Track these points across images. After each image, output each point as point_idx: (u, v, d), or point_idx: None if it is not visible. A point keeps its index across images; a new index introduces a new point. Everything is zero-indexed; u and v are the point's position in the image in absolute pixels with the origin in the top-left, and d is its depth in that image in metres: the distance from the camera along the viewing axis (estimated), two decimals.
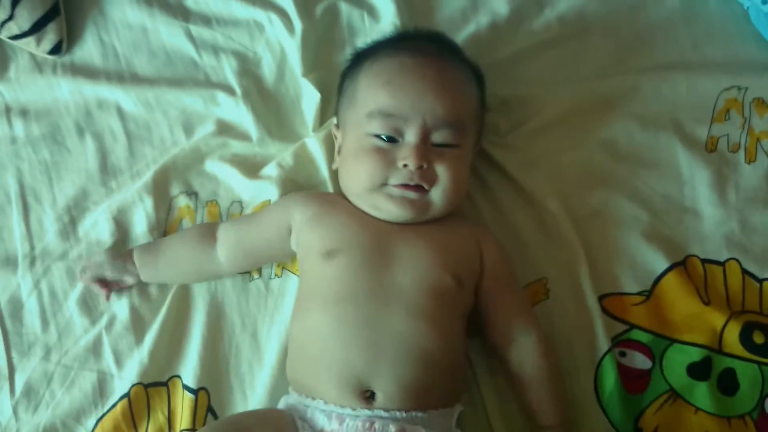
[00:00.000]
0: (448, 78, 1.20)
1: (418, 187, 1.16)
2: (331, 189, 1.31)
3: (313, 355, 1.12)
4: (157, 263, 1.28)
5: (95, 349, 1.28)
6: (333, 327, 1.11)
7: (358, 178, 1.19)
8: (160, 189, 1.34)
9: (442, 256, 1.17)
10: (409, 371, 1.08)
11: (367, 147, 1.18)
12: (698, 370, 1.24)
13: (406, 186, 1.16)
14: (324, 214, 1.22)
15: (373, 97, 1.19)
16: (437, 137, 1.17)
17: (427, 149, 1.16)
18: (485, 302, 1.22)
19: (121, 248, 1.32)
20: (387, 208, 1.18)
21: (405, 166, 1.15)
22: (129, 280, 1.28)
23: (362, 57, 1.27)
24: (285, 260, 1.29)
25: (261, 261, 1.29)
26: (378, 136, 1.18)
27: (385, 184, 1.17)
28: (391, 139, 1.17)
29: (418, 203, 1.17)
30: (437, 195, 1.17)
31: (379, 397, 1.08)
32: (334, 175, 1.30)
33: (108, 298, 1.29)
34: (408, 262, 1.15)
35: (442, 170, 1.16)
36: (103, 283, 1.28)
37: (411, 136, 1.16)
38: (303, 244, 1.22)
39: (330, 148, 1.31)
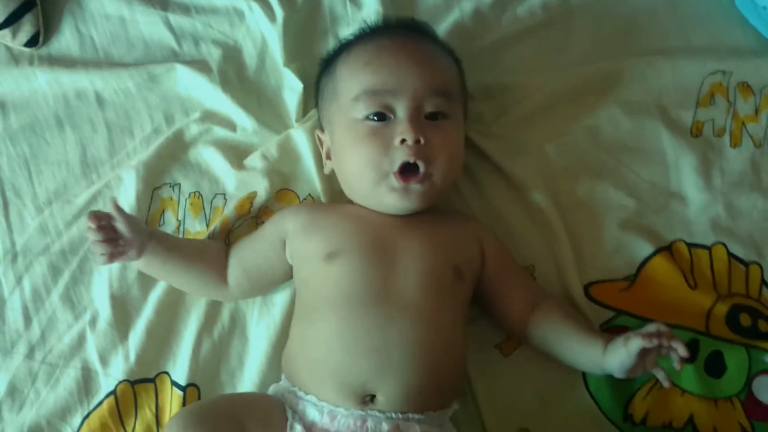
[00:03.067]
0: (427, 51, 1.20)
1: (420, 175, 1.13)
2: (317, 181, 1.30)
3: (315, 358, 1.11)
4: (164, 264, 1.20)
5: (79, 345, 1.26)
6: (340, 331, 1.09)
7: (360, 172, 1.16)
8: (142, 180, 1.31)
9: (442, 248, 1.16)
10: (415, 375, 1.07)
11: (360, 133, 1.15)
12: None
13: (407, 177, 1.13)
14: (317, 219, 1.20)
15: (356, 81, 1.17)
16: (429, 106, 1.15)
17: (421, 122, 1.15)
18: (494, 287, 1.22)
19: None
20: (391, 202, 1.16)
21: (403, 141, 1.12)
22: (132, 255, 1.16)
23: (335, 54, 1.26)
24: (289, 278, 1.25)
25: (264, 282, 1.24)
26: (368, 118, 1.15)
27: (387, 173, 1.14)
28: (382, 117, 1.15)
29: (422, 190, 1.15)
30: (438, 172, 1.15)
31: (380, 400, 1.07)
32: (321, 167, 1.29)
33: (105, 262, 1.14)
34: (409, 257, 1.13)
35: (440, 144, 1.14)
36: (111, 243, 1.13)
37: (402, 110, 1.14)
38: (300, 252, 1.19)
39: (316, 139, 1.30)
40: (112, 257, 1.13)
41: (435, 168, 1.15)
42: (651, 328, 1.08)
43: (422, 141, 1.12)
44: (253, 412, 1.08)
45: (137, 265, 1.22)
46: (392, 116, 1.15)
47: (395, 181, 1.14)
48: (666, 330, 1.07)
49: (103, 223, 1.13)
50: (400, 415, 1.07)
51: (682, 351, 1.06)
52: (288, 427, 1.07)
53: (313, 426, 1.07)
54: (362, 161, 1.15)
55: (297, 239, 1.20)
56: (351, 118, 1.17)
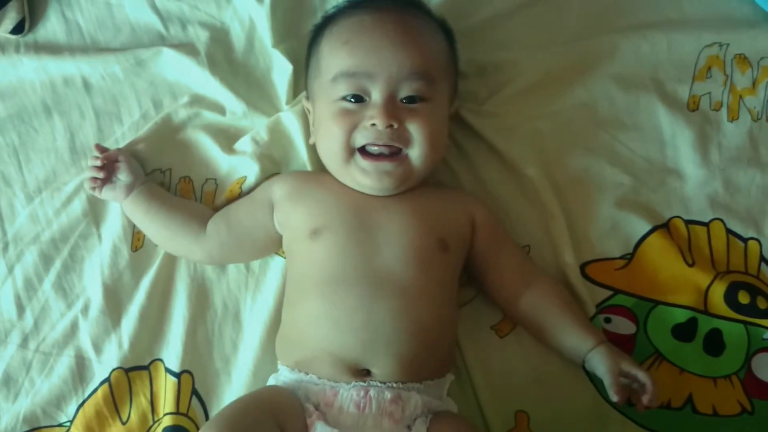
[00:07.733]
0: (409, 29, 1.17)
1: (391, 154, 1.14)
2: (308, 164, 1.29)
3: (307, 339, 1.11)
4: (149, 208, 1.24)
5: (73, 333, 1.26)
6: (327, 310, 1.10)
7: (331, 148, 1.17)
8: None
9: (424, 221, 1.16)
10: (405, 347, 1.08)
11: (334, 112, 1.15)
12: (683, 332, 1.25)
13: (378, 158, 1.14)
14: (303, 190, 1.21)
15: (334, 60, 1.16)
16: (405, 90, 1.14)
17: (396, 107, 1.14)
18: (486, 260, 1.22)
19: (92, 230, 1.30)
20: (365, 183, 1.16)
21: (373, 125, 1.12)
22: (121, 192, 1.25)
23: (323, 24, 1.24)
24: (271, 248, 1.26)
25: (245, 241, 1.24)
26: (344, 99, 1.15)
27: (355, 149, 1.14)
28: (359, 99, 1.14)
29: (395, 172, 1.15)
30: (415, 155, 1.15)
31: (375, 373, 1.08)
32: (312, 150, 1.27)
33: (97, 189, 1.25)
34: (392, 232, 1.14)
35: (415, 128, 1.13)
36: (106, 176, 1.24)
37: (377, 94, 1.13)
38: (287, 223, 1.21)
39: (306, 122, 1.28)
40: (103, 184, 1.24)
41: (411, 151, 1.14)
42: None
43: (395, 126, 1.12)
44: (280, 406, 1.06)
45: (123, 206, 1.26)
46: (368, 99, 1.14)
47: (362, 161, 1.14)
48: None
49: (106, 160, 1.25)
50: (401, 385, 1.08)
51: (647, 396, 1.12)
52: (306, 414, 1.06)
53: (319, 405, 1.07)
54: (331, 137, 1.16)
55: (283, 206, 1.21)
56: (329, 98, 1.16)
